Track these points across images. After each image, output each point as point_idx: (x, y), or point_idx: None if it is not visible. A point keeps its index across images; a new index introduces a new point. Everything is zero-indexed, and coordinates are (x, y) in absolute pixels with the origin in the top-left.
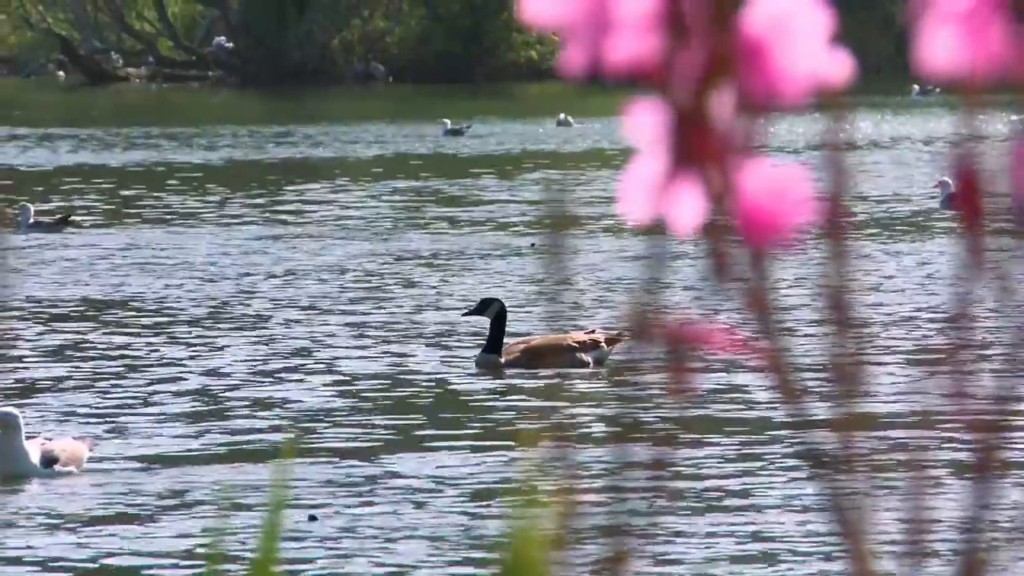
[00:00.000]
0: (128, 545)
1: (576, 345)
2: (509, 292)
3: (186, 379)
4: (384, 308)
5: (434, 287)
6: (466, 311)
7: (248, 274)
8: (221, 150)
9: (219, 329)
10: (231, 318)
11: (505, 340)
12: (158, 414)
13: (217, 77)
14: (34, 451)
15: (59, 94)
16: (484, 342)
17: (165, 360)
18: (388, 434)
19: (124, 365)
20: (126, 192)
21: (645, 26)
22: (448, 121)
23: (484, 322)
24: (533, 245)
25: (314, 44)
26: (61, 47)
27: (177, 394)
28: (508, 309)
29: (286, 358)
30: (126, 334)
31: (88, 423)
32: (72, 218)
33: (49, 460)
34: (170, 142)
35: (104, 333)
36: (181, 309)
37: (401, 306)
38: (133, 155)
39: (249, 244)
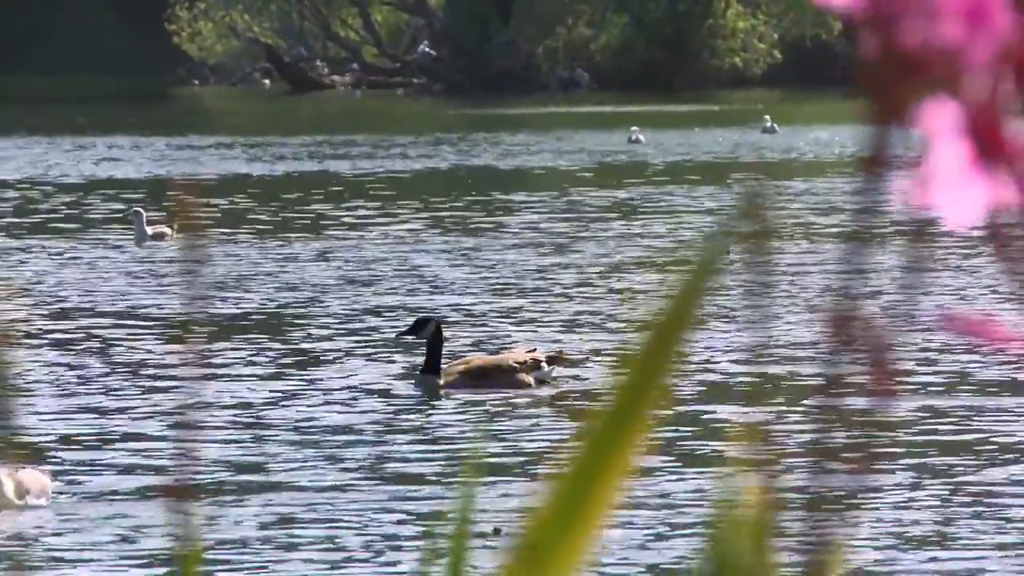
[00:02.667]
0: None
1: (517, 365)
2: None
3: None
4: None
5: (621, 298)
6: (400, 332)
7: (415, 284)
8: (419, 159)
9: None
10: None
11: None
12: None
13: (421, 85)
14: (6, 482)
15: (264, 102)
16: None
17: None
18: None
19: (267, 382)
20: (313, 200)
21: (947, 12)
22: (636, 129)
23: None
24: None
25: (518, 52)
26: (267, 55)
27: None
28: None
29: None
30: (282, 351)
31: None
32: (174, 227)
33: (21, 492)
34: (369, 150)
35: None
36: (326, 318)
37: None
38: (331, 163)
39: (422, 253)
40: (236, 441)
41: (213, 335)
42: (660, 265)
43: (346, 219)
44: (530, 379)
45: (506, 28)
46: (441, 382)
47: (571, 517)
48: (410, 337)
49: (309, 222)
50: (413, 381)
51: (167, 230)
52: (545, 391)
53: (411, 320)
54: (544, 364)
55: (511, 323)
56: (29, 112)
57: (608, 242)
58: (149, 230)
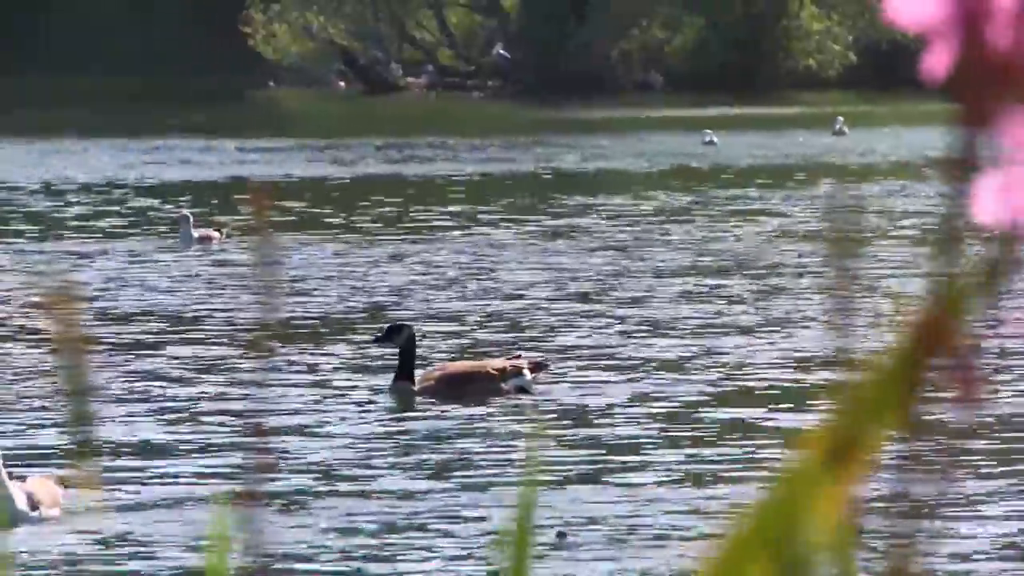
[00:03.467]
0: None
1: (495, 372)
2: (793, 307)
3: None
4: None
5: (691, 304)
6: (374, 337)
7: (470, 286)
8: (493, 162)
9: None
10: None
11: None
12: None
13: (496, 87)
14: (18, 494)
15: (339, 104)
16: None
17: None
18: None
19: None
20: (387, 203)
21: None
22: (709, 132)
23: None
24: (819, 253)
25: (592, 54)
26: (342, 57)
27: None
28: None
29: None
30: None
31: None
32: (228, 231)
33: (34, 504)
34: (444, 152)
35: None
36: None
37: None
38: (406, 166)
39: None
40: (310, 445)
41: (284, 339)
42: (727, 269)
43: (420, 222)
44: (509, 387)
45: (581, 30)
46: (415, 389)
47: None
48: (385, 344)
49: (383, 224)
50: (387, 388)
51: (215, 233)
52: (523, 399)
53: (387, 326)
54: (526, 371)
55: (579, 327)
56: (102, 113)
57: (677, 246)
58: (195, 233)
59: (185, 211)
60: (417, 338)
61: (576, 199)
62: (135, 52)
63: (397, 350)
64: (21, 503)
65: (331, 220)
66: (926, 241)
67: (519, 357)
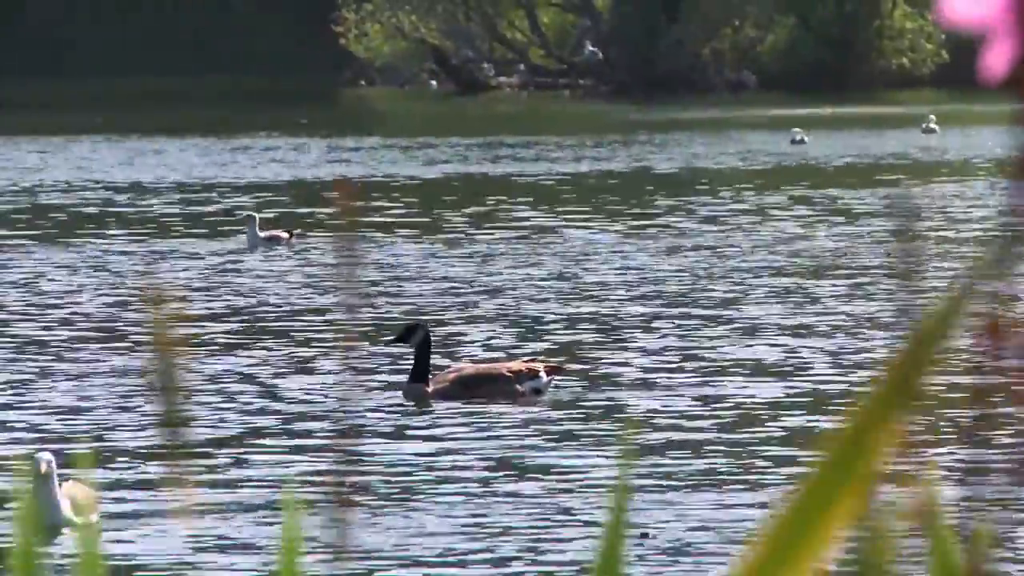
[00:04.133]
0: None
1: (510, 375)
2: (880, 308)
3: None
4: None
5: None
6: (391, 338)
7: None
8: (584, 161)
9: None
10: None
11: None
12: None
13: (587, 86)
14: (65, 501)
15: (430, 103)
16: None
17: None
18: None
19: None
20: (478, 202)
21: None
22: (799, 130)
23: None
24: (888, 254)
25: (684, 53)
26: (433, 57)
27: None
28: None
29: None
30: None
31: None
32: (298, 232)
33: (79, 509)
34: (536, 152)
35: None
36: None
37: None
38: (497, 165)
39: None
40: (393, 446)
41: (371, 338)
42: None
43: (511, 222)
44: (524, 389)
45: (673, 29)
46: (429, 390)
47: (791, 554)
48: (400, 344)
49: (473, 224)
50: (401, 390)
51: (282, 234)
52: (538, 401)
53: (403, 326)
54: (542, 374)
55: (665, 329)
56: (196, 112)
57: (764, 247)
58: (262, 234)
59: (252, 212)
60: (433, 338)
61: (666, 199)
62: (226, 52)
63: (413, 351)
64: (67, 510)
65: (420, 219)
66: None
67: (535, 359)
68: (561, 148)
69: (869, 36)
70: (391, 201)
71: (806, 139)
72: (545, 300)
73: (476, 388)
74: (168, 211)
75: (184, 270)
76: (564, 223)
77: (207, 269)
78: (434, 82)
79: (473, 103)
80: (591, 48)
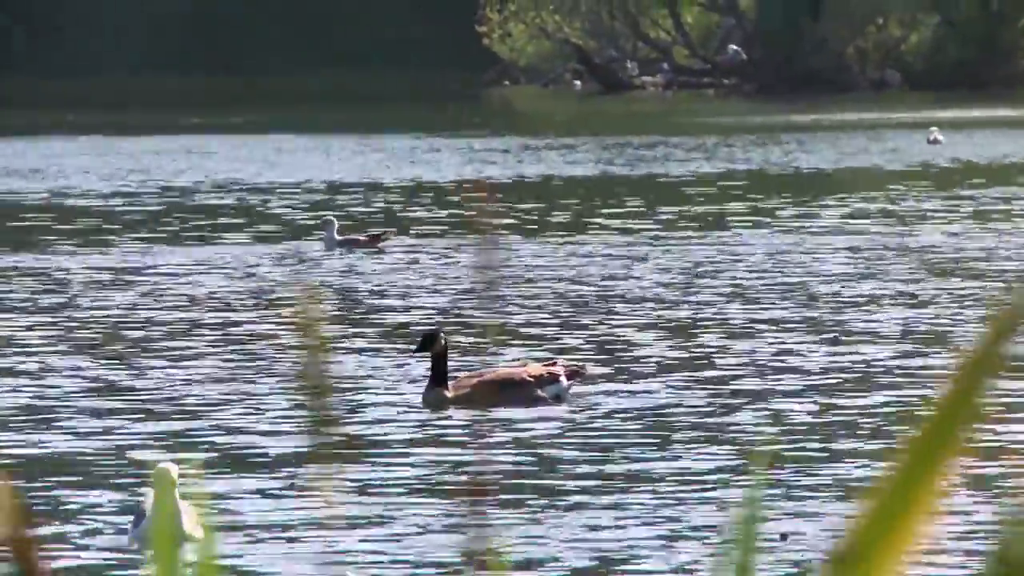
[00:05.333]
0: None
1: (532, 380)
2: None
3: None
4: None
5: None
6: (413, 351)
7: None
8: (727, 160)
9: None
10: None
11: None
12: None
13: (731, 85)
14: (188, 514)
15: (575, 103)
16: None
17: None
18: None
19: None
20: (624, 202)
21: None
22: (935, 130)
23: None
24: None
25: (828, 52)
26: (577, 56)
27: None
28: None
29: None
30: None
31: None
32: (386, 237)
33: (194, 525)
34: (682, 152)
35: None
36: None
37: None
38: (642, 165)
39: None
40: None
41: (504, 339)
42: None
43: (657, 222)
44: (545, 394)
45: (817, 28)
46: (449, 395)
47: (888, 530)
48: (421, 355)
49: (620, 224)
50: (422, 397)
51: (361, 237)
52: (560, 407)
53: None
54: (563, 378)
55: (802, 331)
56: (331, 110)
57: (901, 250)
58: (339, 237)
59: (330, 215)
60: (446, 342)
61: (809, 199)
62: (369, 49)
63: (431, 358)
64: (188, 524)
65: (560, 219)
66: None
67: (555, 363)
68: (706, 148)
69: (1015, 36)
70: (532, 201)
71: (940, 139)
72: (683, 303)
73: (497, 393)
74: (284, 211)
75: (265, 269)
76: (708, 224)
77: (285, 270)
78: (578, 82)
79: (618, 102)
80: (735, 47)
